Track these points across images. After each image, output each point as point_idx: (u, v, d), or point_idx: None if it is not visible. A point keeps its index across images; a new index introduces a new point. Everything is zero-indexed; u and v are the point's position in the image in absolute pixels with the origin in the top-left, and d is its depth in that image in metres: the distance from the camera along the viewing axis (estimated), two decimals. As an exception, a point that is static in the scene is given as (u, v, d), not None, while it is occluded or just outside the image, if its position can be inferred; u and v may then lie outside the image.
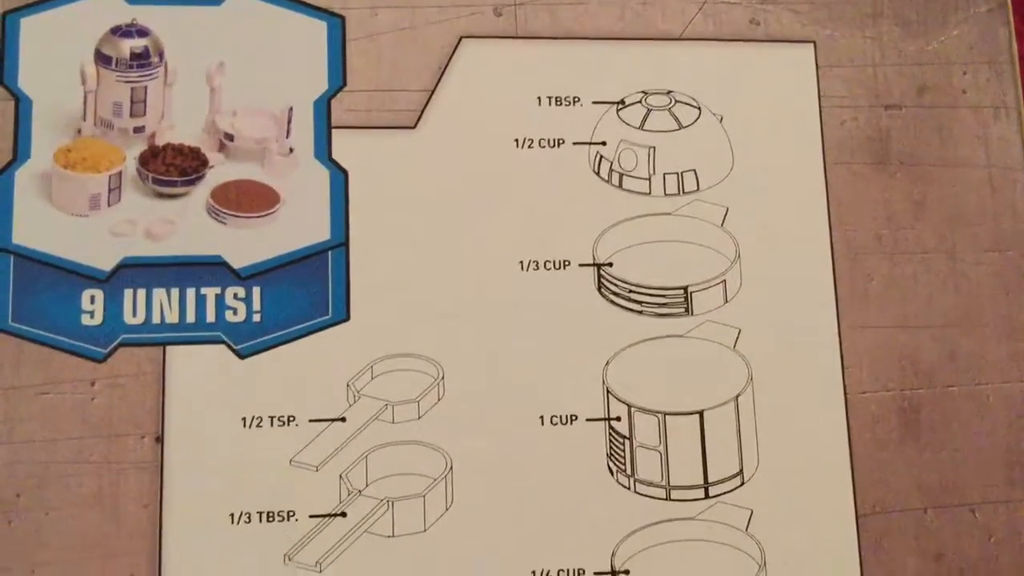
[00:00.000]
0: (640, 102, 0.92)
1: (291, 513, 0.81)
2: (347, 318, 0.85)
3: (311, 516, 0.81)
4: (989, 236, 0.93)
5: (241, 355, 0.83)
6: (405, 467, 0.83)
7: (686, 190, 0.91)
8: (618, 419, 0.85)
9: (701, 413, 0.86)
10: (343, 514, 0.81)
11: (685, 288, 0.88)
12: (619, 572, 0.83)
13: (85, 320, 0.82)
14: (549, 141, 0.90)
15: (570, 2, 0.92)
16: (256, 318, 0.83)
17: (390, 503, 0.82)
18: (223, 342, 0.83)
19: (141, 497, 0.80)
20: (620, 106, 0.91)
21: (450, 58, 0.90)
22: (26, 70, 0.86)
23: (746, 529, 0.85)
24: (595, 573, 0.83)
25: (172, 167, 0.85)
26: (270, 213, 0.85)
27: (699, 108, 0.92)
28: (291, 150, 0.87)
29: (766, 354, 0.88)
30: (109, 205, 0.84)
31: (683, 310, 0.88)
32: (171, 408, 0.81)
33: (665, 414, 0.85)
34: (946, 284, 0.92)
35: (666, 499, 0.85)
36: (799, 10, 0.95)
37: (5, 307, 0.81)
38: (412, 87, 0.89)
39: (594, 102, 0.91)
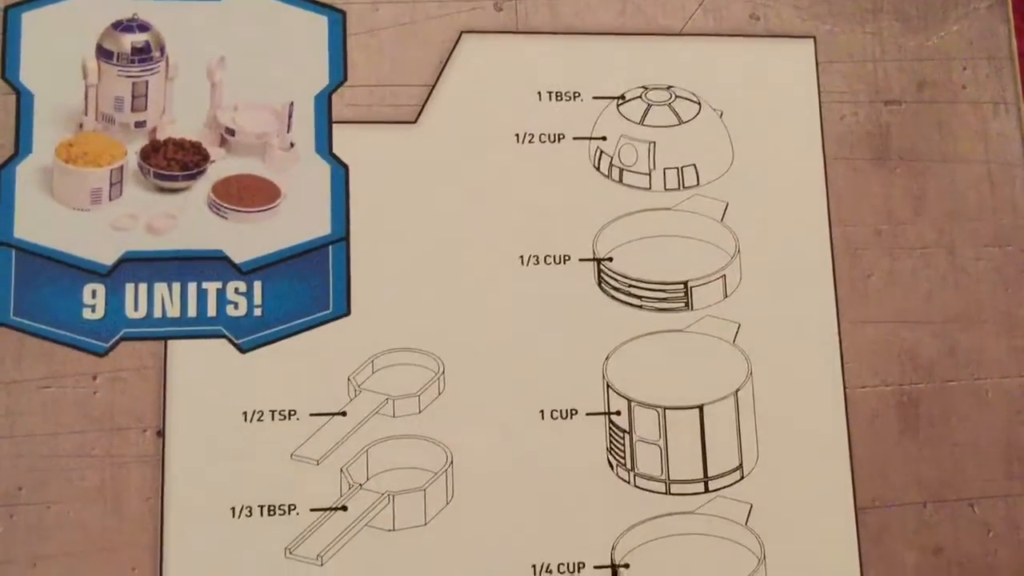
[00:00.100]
0: (640, 97, 0.92)
1: (292, 507, 0.81)
2: (348, 312, 0.85)
3: (312, 510, 0.81)
4: (988, 231, 0.93)
5: (242, 349, 0.83)
6: (406, 461, 0.83)
7: (686, 185, 0.91)
8: (618, 413, 0.85)
9: (701, 407, 0.86)
10: (344, 508, 0.82)
11: (685, 283, 0.88)
12: (619, 566, 0.83)
13: (87, 314, 0.82)
14: (549, 136, 0.90)
15: (570, -3, 0.93)
16: (257, 312, 0.84)
17: (391, 497, 0.82)
18: (224, 336, 0.83)
19: (143, 490, 0.80)
20: (620, 101, 0.91)
21: (451, 53, 0.90)
22: (28, 65, 0.86)
23: (745, 523, 0.85)
24: (595, 567, 0.83)
25: (173, 162, 0.85)
26: (271, 208, 0.85)
27: (699, 103, 0.92)
28: (292, 145, 0.87)
29: (766, 349, 0.88)
30: (110, 199, 0.84)
31: (683, 305, 0.88)
32: (172, 402, 0.82)
33: (665, 408, 0.85)
34: (945, 279, 0.92)
35: (666, 493, 0.85)
36: (799, 5, 0.95)
37: (7, 301, 0.82)
38: (413, 82, 0.89)
39: (594, 97, 0.91)
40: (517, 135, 0.90)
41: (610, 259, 0.88)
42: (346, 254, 0.86)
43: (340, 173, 0.87)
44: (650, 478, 0.85)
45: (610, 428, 0.85)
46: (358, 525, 0.81)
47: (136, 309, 0.83)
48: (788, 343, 0.88)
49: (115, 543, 0.80)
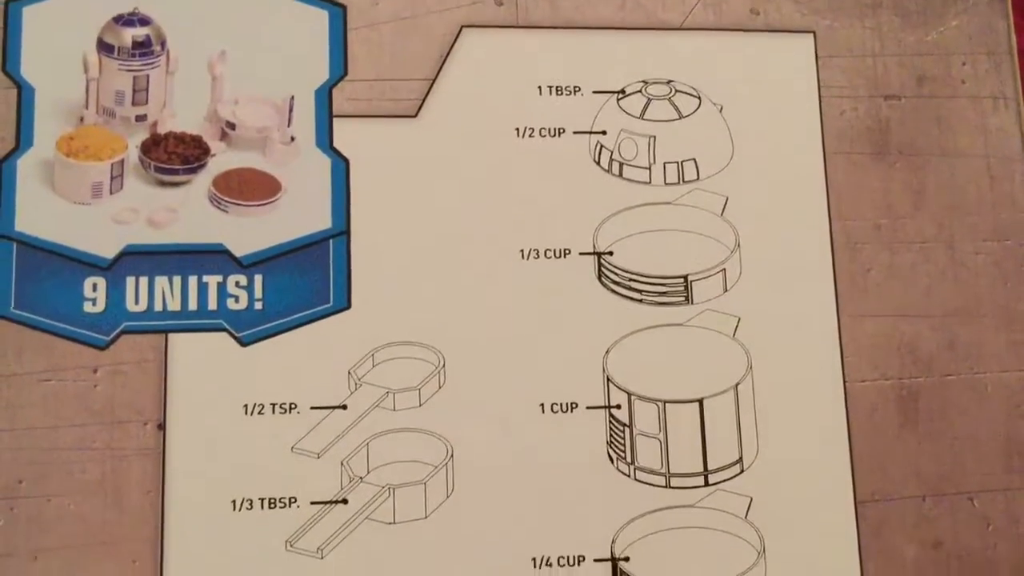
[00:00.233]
0: (640, 91, 0.92)
1: (292, 500, 0.81)
2: (348, 306, 0.85)
3: (312, 503, 0.81)
4: (988, 226, 0.93)
5: (243, 343, 0.83)
6: (406, 454, 0.83)
7: (686, 179, 0.91)
8: (618, 407, 0.85)
9: (701, 401, 0.86)
10: (344, 501, 0.82)
11: (685, 277, 0.88)
12: (619, 559, 0.83)
13: (87, 307, 0.82)
14: (550, 130, 0.90)
15: (571, -8, 0.93)
16: (258, 306, 0.84)
17: (391, 490, 0.82)
18: (225, 330, 0.83)
19: (143, 484, 0.80)
20: (620, 95, 0.92)
21: (451, 47, 0.90)
22: (28, 58, 0.86)
23: (745, 516, 0.85)
24: (595, 560, 0.83)
25: (174, 155, 0.85)
26: (272, 201, 0.85)
27: (699, 97, 0.92)
28: (292, 139, 0.87)
29: (765, 343, 0.88)
30: (111, 193, 0.85)
31: (683, 299, 0.88)
32: (173, 395, 0.82)
33: (665, 402, 0.85)
34: (945, 274, 0.92)
35: (666, 487, 0.85)
36: (799, 0, 0.95)
37: (8, 294, 0.82)
38: (413, 76, 0.90)
39: (595, 91, 0.91)
40: (517, 129, 0.90)
41: (610, 253, 0.88)
42: (347, 248, 0.86)
43: (341, 167, 0.87)
44: (650, 472, 0.85)
45: (610, 422, 0.85)
46: (358, 518, 0.81)
47: (137, 302, 0.83)
48: (788, 337, 0.89)
49: (116, 536, 0.80)
